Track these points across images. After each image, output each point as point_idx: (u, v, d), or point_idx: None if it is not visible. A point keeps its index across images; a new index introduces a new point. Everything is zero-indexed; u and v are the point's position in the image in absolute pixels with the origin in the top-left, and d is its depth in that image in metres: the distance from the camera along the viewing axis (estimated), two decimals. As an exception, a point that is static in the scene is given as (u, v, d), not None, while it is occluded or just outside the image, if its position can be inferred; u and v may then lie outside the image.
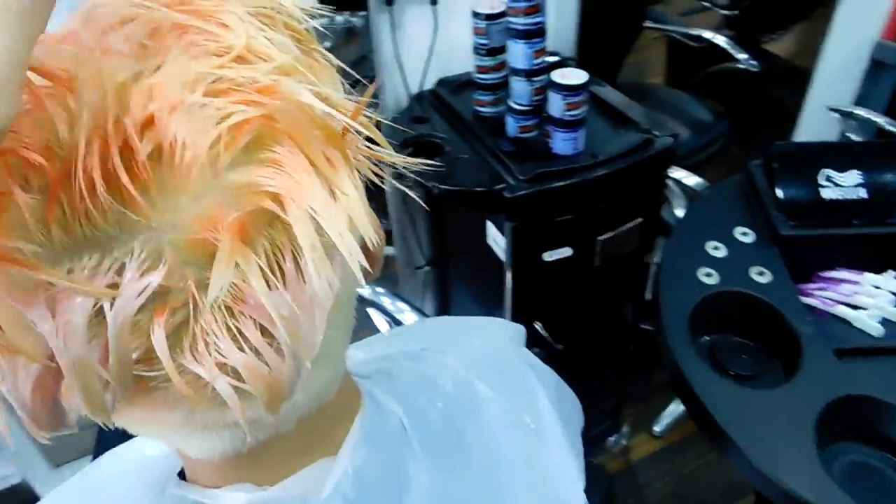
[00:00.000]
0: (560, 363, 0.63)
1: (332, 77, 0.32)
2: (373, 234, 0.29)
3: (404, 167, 0.33)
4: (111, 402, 0.27)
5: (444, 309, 1.82)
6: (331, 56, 0.33)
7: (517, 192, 1.19)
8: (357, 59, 1.80)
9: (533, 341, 1.36)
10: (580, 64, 1.48)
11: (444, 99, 1.45)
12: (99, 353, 0.25)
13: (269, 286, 0.26)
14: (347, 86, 0.33)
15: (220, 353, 0.26)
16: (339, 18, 3.63)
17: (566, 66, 1.32)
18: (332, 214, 0.27)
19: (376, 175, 0.32)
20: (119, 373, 0.25)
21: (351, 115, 0.29)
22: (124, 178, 0.23)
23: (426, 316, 1.22)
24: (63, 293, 0.24)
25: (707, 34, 2.18)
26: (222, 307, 0.26)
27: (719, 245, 1.09)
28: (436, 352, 0.54)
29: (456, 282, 1.76)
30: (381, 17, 1.41)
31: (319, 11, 0.33)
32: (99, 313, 0.24)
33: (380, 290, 1.24)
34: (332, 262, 0.28)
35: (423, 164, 0.35)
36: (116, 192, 0.24)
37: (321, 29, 0.33)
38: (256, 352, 0.27)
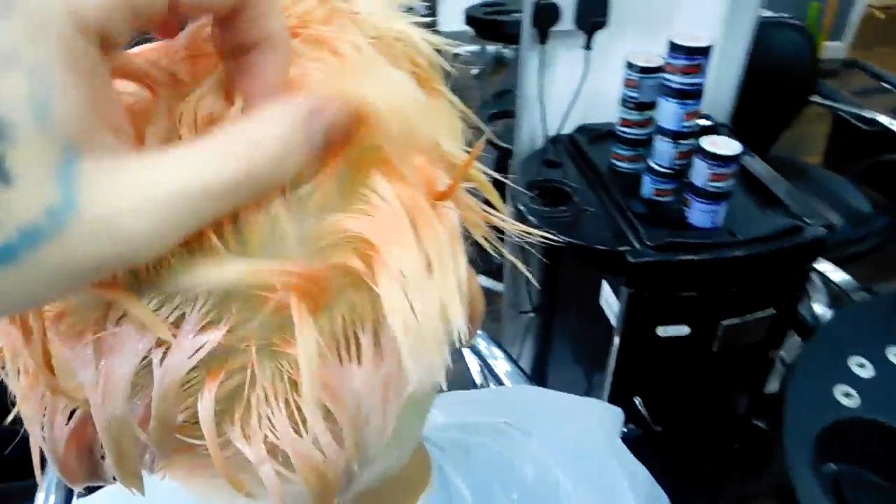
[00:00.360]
0: (655, 447, 0.56)
1: (452, 125, 0.28)
2: (463, 328, 0.24)
3: (521, 230, 0.29)
4: (148, 464, 0.24)
5: (541, 361, 1.75)
6: (455, 99, 0.29)
7: (641, 258, 1.11)
8: (500, 91, 1.79)
9: (629, 417, 1.26)
10: (733, 131, 1.37)
11: (581, 146, 1.39)
12: (140, 413, 0.22)
13: (340, 360, 0.23)
14: (483, 123, 0.30)
15: (272, 432, 0.22)
16: (491, 48, 3.68)
17: (718, 132, 1.23)
18: (425, 293, 0.23)
19: (486, 240, 0.28)
20: (159, 437, 0.22)
21: (461, 168, 0.26)
22: None
23: (521, 370, 1.16)
24: (113, 337, 0.21)
25: (883, 119, 1.99)
26: (285, 378, 0.22)
27: (866, 363, 0.96)
28: (521, 430, 0.50)
29: (560, 335, 1.68)
30: (531, 53, 1.38)
31: (450, 46, 0.29)
32: (146, 367, 0.21)
33: (477, 330, 1.19)
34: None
35: (544, 237, 0.31)
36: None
37: (461, 57, 0.30)
38: (315, 440, 0.23)
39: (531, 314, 1.71)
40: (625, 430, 0.60)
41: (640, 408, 1.29)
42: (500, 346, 1.20)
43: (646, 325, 1.20)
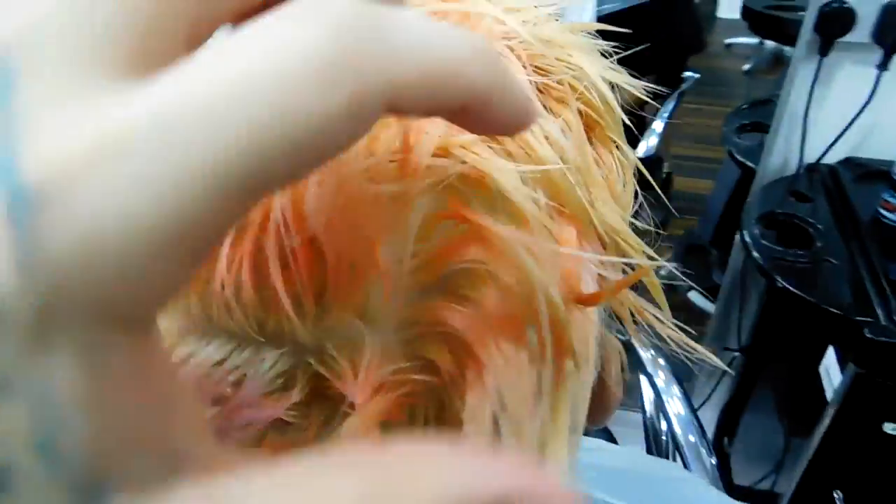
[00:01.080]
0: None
1: (617, 187, 0.23)
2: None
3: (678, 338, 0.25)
4: None
5: (734, 408, 1.55)
6: (629, 151, 0.25)
7: (883, 336, 0.90)
8: (759, 100, 1.57)
9: (821, 510, 1.07)
10: None
11: (843, 183, 1.17)
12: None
13: None
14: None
15: None
16: (771, 43, 3.27)
17: None
18: (521, 425, 0.19)
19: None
20: None
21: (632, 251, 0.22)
22: (275, 276, 0.17)
23: (695, 418, 1.02)
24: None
25: None
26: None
27: None
28: None
29: (762, 386, 1.47)
30: (806, 64, 1.17)
31: (632, 85, 0.25)
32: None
33: (661, 361, 1.08)
34: None
35: (707, 358, 0.27)
36: (265, 286, 0.17)
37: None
38: None
39: (736, 353, 1.52)
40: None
41: None
42: (680, 384, 1.08)
43: (870, 415, 0.99)
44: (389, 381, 0.18)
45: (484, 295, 0.18)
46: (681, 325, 0.24)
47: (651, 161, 1.54)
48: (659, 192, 0.31)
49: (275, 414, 0.18)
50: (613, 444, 0.52)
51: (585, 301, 0.20)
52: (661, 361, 1.08)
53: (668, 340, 0.25)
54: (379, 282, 0.17)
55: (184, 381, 0.13)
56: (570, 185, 0.20)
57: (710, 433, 1.47)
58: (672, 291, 1.89)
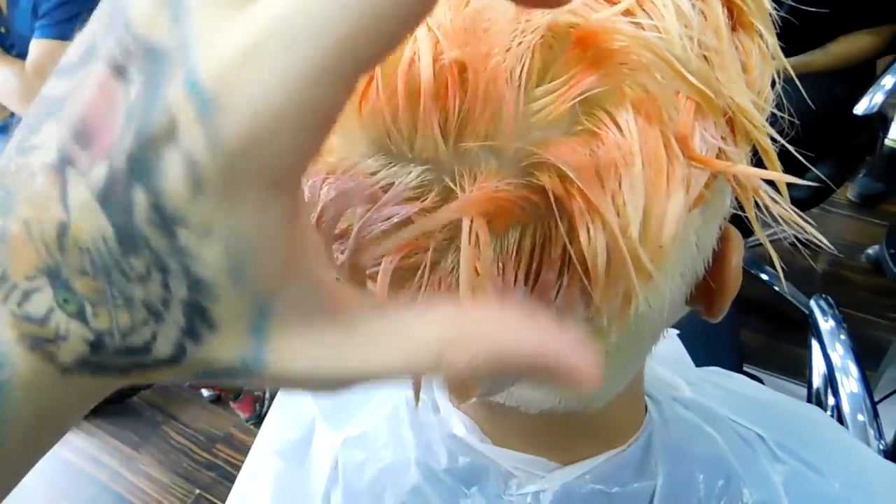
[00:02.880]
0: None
1: (756, 76, 0.24)
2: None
3: (798, 224, 0.25)
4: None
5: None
6: (774, 43, 0.25)
7: None
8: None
9: None
10: None
11: None
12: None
13: (515, 281, 0.23)
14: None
15: None
16: None
17: None
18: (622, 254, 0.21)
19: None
20: (350, 281, 0.25)
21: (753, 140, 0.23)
22: (426, 90, 0.21)
23: (870, 400, 0.96)
24: (342, 179, 0.23)
25: None
26: (452, 282, 0.23)
27: None
28: (771, 450, 0.42)
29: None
30: None
31: None
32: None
33: (842, 336, 1.03)
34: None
35: (828, 248, 0.25)
36: (415, 103, 0.21)
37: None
38: None
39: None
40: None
41: None
42: (858, 362, 1.08)
43: None
44: (502, 188, 0.21)
45: (608, 123, 0.21)
46: (802, 214, 0.25)
47: (872, 121, 1.29)
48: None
49: (411, 211, 0.22)
50: (756, 382, 0.51)
51: (696, 160, 0.21)
52: (843, 336, 1.03)
53: (784, 224, 0.25)
54: (508, 113, 0.20)
55: (315, 232, 0.19)
56: (687, 56, 0.21)
57: (892, 431, 1.05)
58: (879, 275, 1.82)
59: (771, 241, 0.26)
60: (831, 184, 1.46)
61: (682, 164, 0.21)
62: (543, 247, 0.22)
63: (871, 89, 1.24)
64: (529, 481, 0.38)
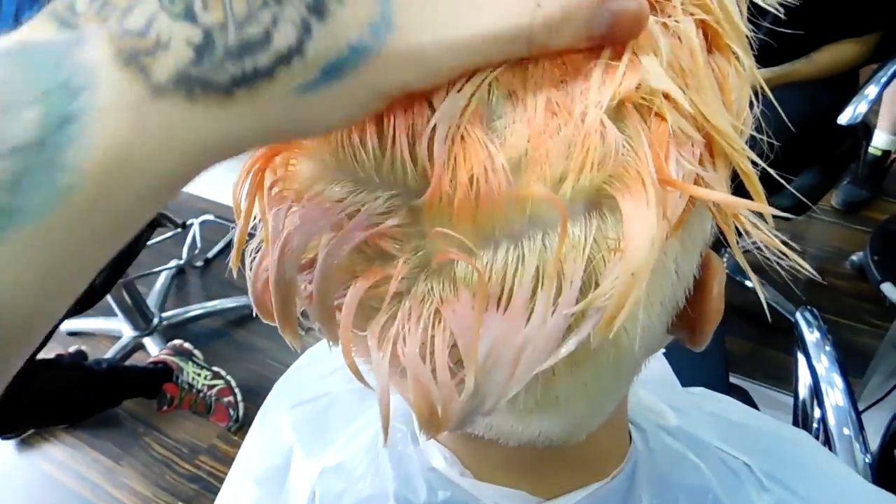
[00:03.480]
0: None
1: (732, 97, 0.24)
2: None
3: (775, 246, 0.24)
4: (317, 331, 0.26)
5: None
6: (751, 66, 0.24)
7: None
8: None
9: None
10: None
11: None
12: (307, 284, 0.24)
13: (486, 306, 0.22)
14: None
15: (402, 347, 0.23)
16: None
17: None
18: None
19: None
20: (318, 312, 0.24)
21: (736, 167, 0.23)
22: (395, 124, 0.20)
23: (855, 414, 0.97)
24: (302, 210, 0.23)
25: None
26: (432, 305, 0.22)
27: None
28: (759, 481, 0.41)
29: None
30: None
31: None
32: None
33: (827, 347, 1.04)
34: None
35: (806, 270, 0.24)
36: (382, 127, 0.21)
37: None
38: (434, 371, 0.22)
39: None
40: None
41: None
42: (844, 375, 1.07)
43: None
44: None
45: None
46: (784, 238, 0.24)
47: (855, 129, 1.28)
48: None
49: (380, 232, 0.22)
50: (743, 405, 0.50)
51: (671, 184, 0.21)
52: (828, 347, 1.03)
53: (765, 249, 0.24)
54: None
55: None
56: (672, 78, 0.21)
57: (877, 438, 1.09)
58: (863, 281, 1.82)
59: (756, 248, 0.25)
60: (815, 192, 1.46)
61: (657, 189, 0.21)
62: (517, 267, 0.22)
63: (854, 99, 1.24)
64: None
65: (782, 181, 0.24)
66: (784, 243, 0.24)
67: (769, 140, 0.25)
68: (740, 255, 0.25)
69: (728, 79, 0.24)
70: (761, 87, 0.25)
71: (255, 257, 0.26)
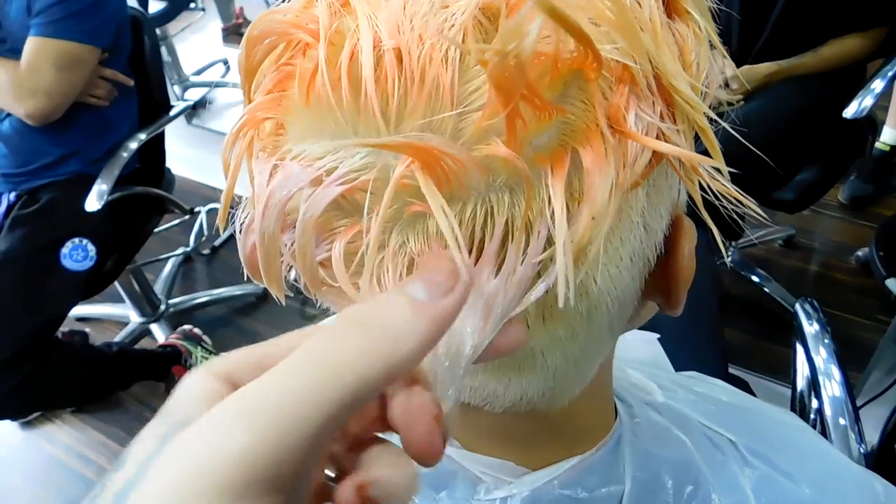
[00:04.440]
0: None
1: (691, 58, 0.25)
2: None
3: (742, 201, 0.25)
4: (304, 289, 0.27)
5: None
6: (709, 29, 0.26)
7: None
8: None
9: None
10: None
11: None
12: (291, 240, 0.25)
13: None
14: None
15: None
16: None
17: None
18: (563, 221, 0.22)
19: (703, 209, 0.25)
20: (302, 267, 0.25)
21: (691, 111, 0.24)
22: (367, 76, 0.22)
23: (852, 406, 0.97)
24: (284, 167, 0.24)
25: None
26: (405, 256, 0.24)
27: None
28: (743, 457, 0.43)
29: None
30: None
31: None
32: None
33: (826, 340, 1.04)
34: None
35: (757, 215, 0.25)
36: (357, 90, 0.22)
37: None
38: None
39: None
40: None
41: None
42: (840, 366, 1.08)
43: None
44: (444, 156, 0.21)
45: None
46: (742, 192, 0.25)
47: (860, 123, 1.26)
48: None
49: (356, 187, 0.23)
50: (732, 387, 0.51)
51: (629, 136, 0.22)
52: (826, 339, 1.03)
53: (725, 201, 0.25)
54: (445, 93, 0.21)
55: None
56: (631, 36, 0.22)
57: (876, 433, 1.13)
58: (868, 276, 1.82)
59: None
60: (820, 187, 1.47)
61: (612, 138, 0.22)
62: (485, 222, 0.23)
63: (860, 93, 1.24)
64: (498, 487, 0.38)
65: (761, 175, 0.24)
66: (741, 194, 0.25)
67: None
68: (702, 206, 0.26)
69: (687, 41, 0.25)
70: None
71: (244, 220, 0.27)
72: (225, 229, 0.28)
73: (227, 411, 0.17)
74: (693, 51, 0.25)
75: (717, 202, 0.25)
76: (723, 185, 0.25)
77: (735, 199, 0.25)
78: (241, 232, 0.27)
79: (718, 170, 0.25)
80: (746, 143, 0.27)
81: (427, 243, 0.23)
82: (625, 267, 0.27)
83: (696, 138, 0.26)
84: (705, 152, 0.25)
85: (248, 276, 0.29)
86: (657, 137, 0.23)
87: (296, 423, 0.17)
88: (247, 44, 0.26)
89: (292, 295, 0.29)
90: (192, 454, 0.17)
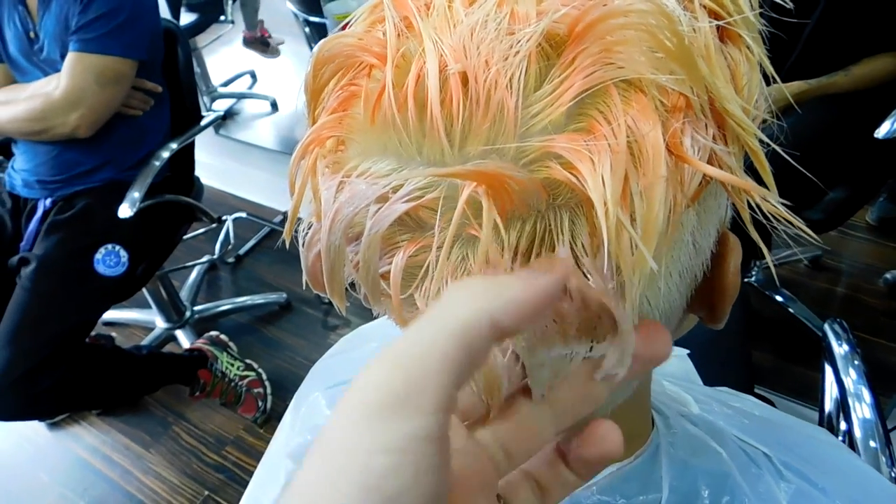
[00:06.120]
0: None
1: (743, 83, 0.26)
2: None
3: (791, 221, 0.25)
4: (363, 301, 0.28)
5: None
6: (761, 54, 0.26)
7: None
8: None
9: None
10: None
11: None
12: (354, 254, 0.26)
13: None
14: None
15: None
16: None
17: None
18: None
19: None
20: (364, 278, 0.26)
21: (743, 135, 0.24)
22: (433, 98, 0.23)
23: (883, 429, 0.96)
24: (351, 185, 0.25)
25: None
26: (465, 272, 0.24)
27: None
28: (777, 470, 0.43)
29: None
30: None
31: None
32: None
33: (856, 361, 1.03)
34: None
35: (811, 238, 0.25)
36: (423, 111, 0.23)
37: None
38: None
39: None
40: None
41: None
42: (871, 388, 1.06)
43: None
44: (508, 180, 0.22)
45: (598, 116, 0.22)
46: (787, 203, 0.25)
47: (892, 143, 1.22)
48: None
49: (420, 204, 0.24)
50: (765, 403, 0.51)
51: (683, 159, 0.23)
52: (856, 361, 1.02)
53: (773, 219, 0.25)
54: (508, 117, 0.22)
55: None
56: (686, 61, 0.23)
57: None
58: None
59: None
60: (848, 207, 1.45)
61: (671, 162, 0.23)
62: (543, 239, 0.24)
63: (892, 113, 1.23)
64: None
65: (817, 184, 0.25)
66: (790, 213, 0.25)
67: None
68: (751, 226, 0.26)
69: (739, 66, 0.26)
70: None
71: (307, 233, 0.29)
72: (290, 242, 0.30)
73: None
74: (745, 75, 0.26)
75: (766, 222, 0.26)
76: (773, 205, 0.25)
77: (785, 219, 0.25)
78: (303, 246, 0.29)
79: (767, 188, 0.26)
80: (794, 162, 0.27)
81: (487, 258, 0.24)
82: (674, 283, 0.28)
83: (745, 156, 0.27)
84: (750, 167, 0.26)
85: (307, 285, 0.30)
86: (710, 160, 0.24)
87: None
88: (314, 65, 0.27)
89: (348, 304, 0.30)
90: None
